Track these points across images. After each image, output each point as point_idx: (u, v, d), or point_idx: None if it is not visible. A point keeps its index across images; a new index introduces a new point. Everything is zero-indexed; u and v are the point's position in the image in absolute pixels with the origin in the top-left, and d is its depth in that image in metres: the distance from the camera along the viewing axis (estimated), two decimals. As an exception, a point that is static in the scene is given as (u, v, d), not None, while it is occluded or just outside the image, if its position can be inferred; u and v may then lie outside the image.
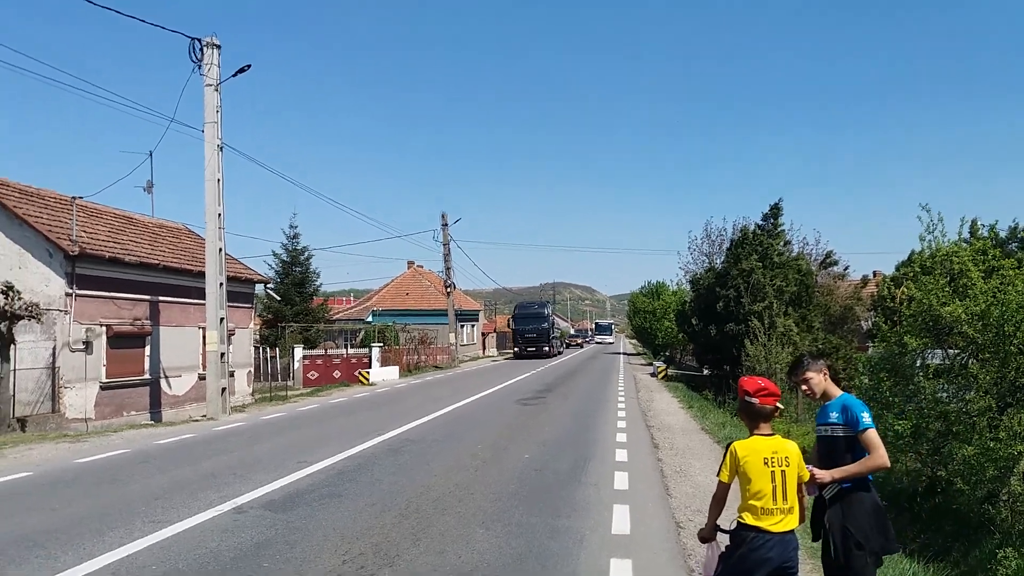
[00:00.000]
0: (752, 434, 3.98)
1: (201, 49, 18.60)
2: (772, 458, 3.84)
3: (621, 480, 9.51)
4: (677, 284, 52.99)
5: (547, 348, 53.60)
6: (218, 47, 18.81)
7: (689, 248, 34.50)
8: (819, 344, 25.37)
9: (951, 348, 11.29)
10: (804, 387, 4.47)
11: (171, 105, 21.13)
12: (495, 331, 75.66)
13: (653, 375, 34.08)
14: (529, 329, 53.82)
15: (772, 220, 26.30)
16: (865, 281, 31.24)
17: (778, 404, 4.01)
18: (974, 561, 8.64)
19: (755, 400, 3.96)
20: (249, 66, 19.08)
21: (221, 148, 19.09)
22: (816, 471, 4.12)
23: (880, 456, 4.09)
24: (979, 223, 19.09)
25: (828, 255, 30.75)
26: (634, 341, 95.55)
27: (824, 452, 4.40)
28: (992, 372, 10.02)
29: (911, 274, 13.27)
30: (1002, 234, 19.14)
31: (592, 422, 15.76)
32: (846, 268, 30.75)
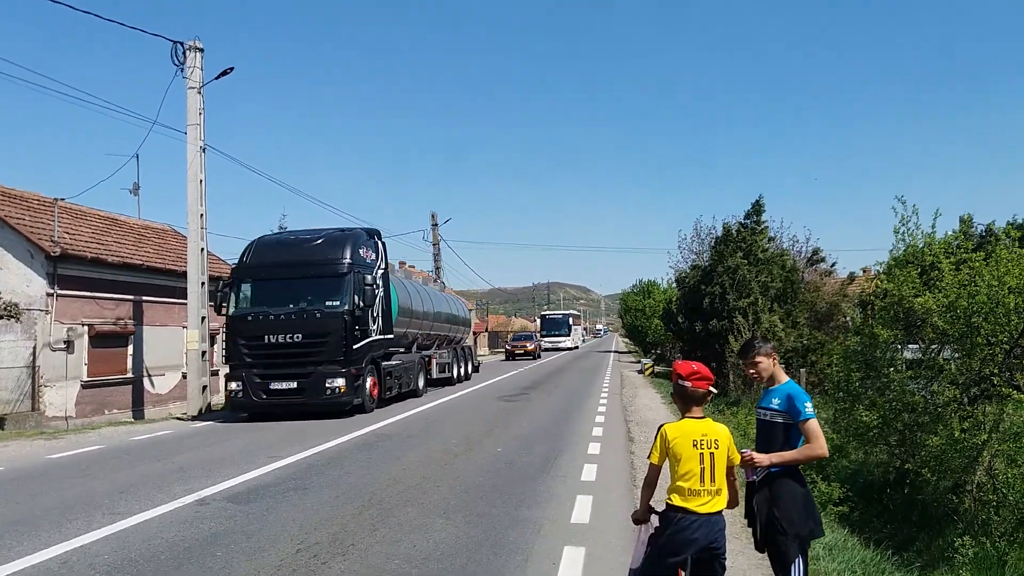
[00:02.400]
0: (684, 417, 4.04)
1: (184, 52, 18.59)
2: (701, 440, 3.90)
3: (589, 472, 9.54)
4: (668, 283, 52.02)
5: (344, 391, 15.99)
6: (201, 50, 18.82)
7: (679, 247, 34.49)
8: (804, 340, 25.42)
9: (922, 340, 11.39)
10: (752, 370, 4.51)
11: (155, 108, 21.21)
12: (487, 330, 76.00)
13: (640, 372, 34.20)
14: (276, 321, 16.35)
15: (755, 217, 26.39)
16: (852, 277, 31.26)
17: (711, 388, 4.07)
18: (936, 550, 8.72)
19: (688, 383, 4.01)
20: (232, 68, 19.16)
21: (204, 150, 19.09)
22: (756, 455, 4.17)
23: (820, 446, 4.15)
24: (972, 220, 19.19)
25: (815, 252, 30.77)
26: (626, 340, 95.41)
27: (762, 436, 4.46)
28: (958, 363, 10.12)
29: (885, 267, 13.34)
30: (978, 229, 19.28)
31: (571, 417, 15.80)
32: (832, 264, 30.79)
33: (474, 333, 67.38)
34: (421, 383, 21.12)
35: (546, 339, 62.80)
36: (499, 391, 22.86)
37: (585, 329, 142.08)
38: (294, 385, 15.86)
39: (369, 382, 16.94)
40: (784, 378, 4.45)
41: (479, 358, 36.69)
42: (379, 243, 18.82)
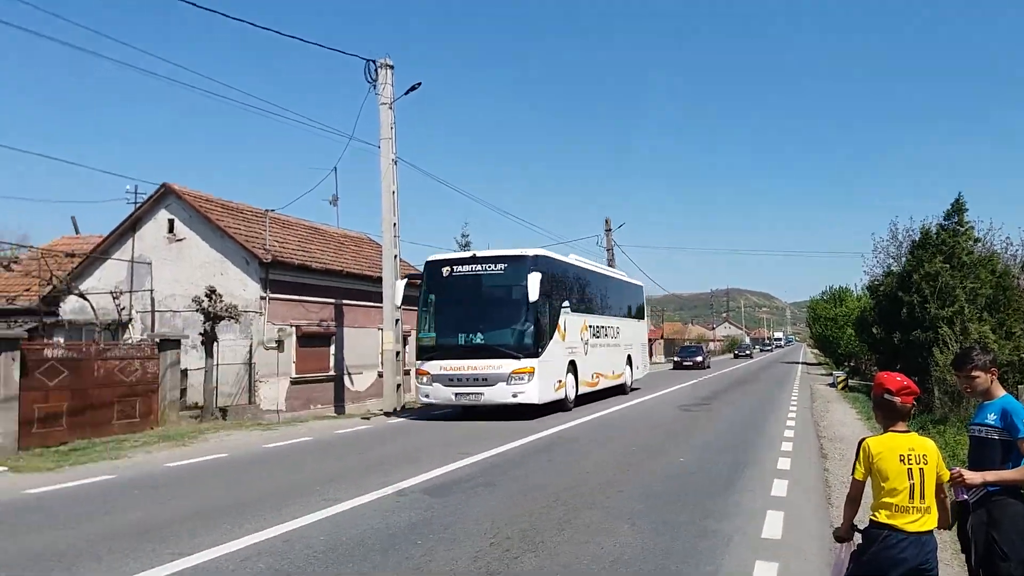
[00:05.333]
0: (886, 431, 3.89)
1: (376, 70, 19.86)
2: (909, 455, 3.74)
3: (780, 487, 9.19)
4: (861, 289, 48.50)
5: None
6: (391, 67, 20.01)
7: (874, 251, 31.93)
8: (1021, 353, 23.11)
9: None
10: (966, 385, 4.29)
11: (350, 123, 22.77)
12: (662, 337, 75.29)
13: (832, 385, 32.40)
14: None
15: (956, 217, 24.24)
16: (1078, 283, 27.99)
17: (915, 401, 3.92)
18: None
19: (897, 399, 3.86)
20: (420, 84, 20.20)
21: (395, 162, 20.26)
22: (966, 472, 3.96)
23: None
24: None
25: (1028, 253, 27.75)
26: (815, 351, 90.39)
27: (975, 454, 4.20)
28: None
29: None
30: None
31: (756, 429, 15.29)
32: (1051, 268, 27.64)
33: (648, 340, 64.70)
34: None
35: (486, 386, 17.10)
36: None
37: (764, 340, 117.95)
38: None
39: None
40: (1000, 392, 4.18)
41: (650, 366, 33.96)
42: None
